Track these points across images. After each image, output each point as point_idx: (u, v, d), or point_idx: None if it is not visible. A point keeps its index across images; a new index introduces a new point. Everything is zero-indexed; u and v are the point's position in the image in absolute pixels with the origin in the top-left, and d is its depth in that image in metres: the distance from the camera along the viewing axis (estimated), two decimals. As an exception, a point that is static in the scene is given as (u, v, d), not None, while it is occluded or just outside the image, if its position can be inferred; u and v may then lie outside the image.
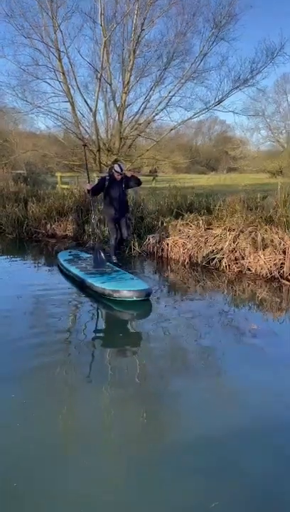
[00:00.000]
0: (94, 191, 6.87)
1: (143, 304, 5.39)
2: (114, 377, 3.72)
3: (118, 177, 6.69)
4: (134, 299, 5.33)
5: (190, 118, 16.30)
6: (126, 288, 5.41)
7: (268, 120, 30.88)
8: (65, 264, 6.81)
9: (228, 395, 3.41)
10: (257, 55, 14.98)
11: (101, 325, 5.14)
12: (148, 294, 5.43)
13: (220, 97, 15.17)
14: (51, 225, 10.14)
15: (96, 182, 7.52)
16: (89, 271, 6.28)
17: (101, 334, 4.82)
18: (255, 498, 2.38)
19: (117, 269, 6.47)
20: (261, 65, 14.83)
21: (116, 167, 6.69)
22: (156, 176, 16.12)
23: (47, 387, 3.47)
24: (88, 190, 6.87)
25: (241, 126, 48.12)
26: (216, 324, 4.97)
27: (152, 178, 15.62)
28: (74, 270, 6.41)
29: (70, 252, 7.72)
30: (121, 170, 6.67)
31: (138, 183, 7.04)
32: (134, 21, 14.78)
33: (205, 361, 4.11)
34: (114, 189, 6.78)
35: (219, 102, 15.13)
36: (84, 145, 10.14)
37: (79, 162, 16.96)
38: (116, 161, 15.86)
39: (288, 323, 5.22)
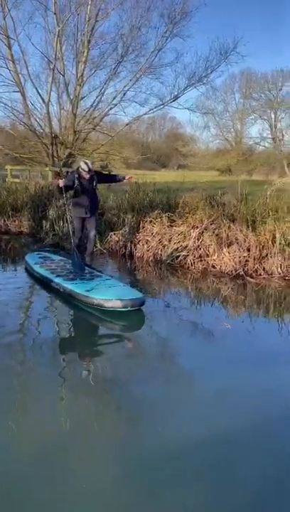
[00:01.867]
0: (66, 188, 6.07)
1: (135, 314, 4.88)
2: (96, 384, 3.53)
3: (86, 176, 5.93)
4: (129, 309, 4.78)
5: (146, 113, 16.24)
6: (118, 297, 4.84)
7: (217, 119, 31.56)
8: (37, 268, 6.09)
9: (209, 397, 3.33)
10: (211, 54, 15.14)
11: (77, 329, 4.85)
12: (141, 303, 4.90)
13: (176, 93, 15.22)
14: (5, 221, 9.61)
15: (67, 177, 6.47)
16: (67, 276, 5.65)
17: (76, 338, 4.59)
18: (249, 502, 2.33)
19: (97, 273, 5.93)
20: (215, 63, 15.04)
21: (83, 165, 5.91)
22: (111, 171, 15.86)
23: (22, 397, 3.23)
24: (60, 187, 6.00)
25: (191, 124, 48.85)
26: (187, 324, 4.92)
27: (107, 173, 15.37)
28: (49, 275, 5.71)
29: (38, 254, 6.96)
30: (89, 168, 5.90)
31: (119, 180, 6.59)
32: (88, 12, 14.40)
33: (182, 363, 4.02)
34: (83, 188, 6.01)
35: (175, 98, 15.18)
36: (56, 136, 9.56)
37: (30, 155, 16.32)
38: (70, 155, 15.43)
39: (256, 320, 5.28)
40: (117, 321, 4.79)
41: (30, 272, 6.38)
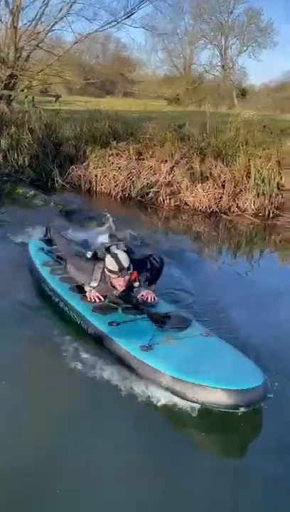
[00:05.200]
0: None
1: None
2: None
3: (118, 283, 2.96)
4: (241, 410, 2.31)
5: (97, 31, 14.66)
6: (220, 382, 2.33)
7: (166, 42, 29.61)
8: (48, 278, 3.45)
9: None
10: None
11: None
12: (264, 394, 2.38)
13: (130, 8, 13.74)
14: None
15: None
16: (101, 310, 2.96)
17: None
18: None
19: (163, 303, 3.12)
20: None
21: (110, 263, 2.90)
22: (60, 97, 14.52)
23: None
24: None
25: (138, 47, 45.77)
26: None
27: (55, 99, 14.13)
28: (67, 298, 3.15)
29: (46, 241, 4.02)
30: (122, 267, 2.88)
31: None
32: None
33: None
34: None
35: (130, 14, 13.72)
36: None
37: None
38: (12, 76, 13.73)
39: (241, 260, 5.18)
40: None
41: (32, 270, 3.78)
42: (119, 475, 2.05)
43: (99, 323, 2.84)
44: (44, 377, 2.62)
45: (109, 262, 2.88)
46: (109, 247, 2.94)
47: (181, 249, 5.05)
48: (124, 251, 2.92)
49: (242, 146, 7.05)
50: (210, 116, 7.94)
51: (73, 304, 3.05)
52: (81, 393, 2.53)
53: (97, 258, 3.01)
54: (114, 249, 2.93)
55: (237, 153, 6.90)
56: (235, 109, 18.43)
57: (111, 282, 2.94)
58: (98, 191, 7.21)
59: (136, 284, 2.99)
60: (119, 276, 2.88)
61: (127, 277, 2.90)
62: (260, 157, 6.61)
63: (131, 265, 2.89)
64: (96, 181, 7.20)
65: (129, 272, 2.88)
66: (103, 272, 2.94)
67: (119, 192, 6.95)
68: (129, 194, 6.92)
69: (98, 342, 2.79)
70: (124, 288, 2.93)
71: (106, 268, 2.90)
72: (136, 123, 8.51)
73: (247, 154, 6.81)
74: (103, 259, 2.93)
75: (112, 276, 2.90)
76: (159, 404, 2.39)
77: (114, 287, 2.95)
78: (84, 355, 2.72)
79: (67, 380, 2.60)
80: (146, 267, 3.10)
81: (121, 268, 2.85)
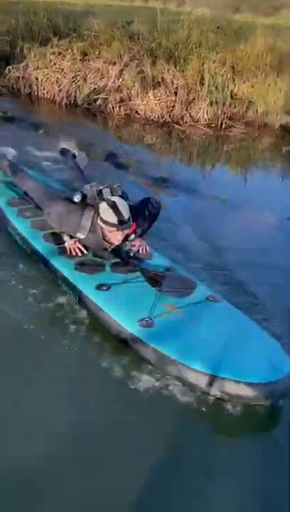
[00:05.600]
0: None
1: None
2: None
3: (115, 237, 2.41)
4: (267, 402, 1.95)
5: None
6: (236, 373, 1.91)
7: None
8: (16, 222, 2.87)
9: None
10: None
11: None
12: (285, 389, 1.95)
13: None
14: None
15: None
16: (85, 265, 2.49)
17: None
18: None
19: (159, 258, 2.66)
20: None
21: (108, 214, 2.33)
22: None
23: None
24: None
25: None
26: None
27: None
28: (41, 249, 2.63)
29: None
30: (122, 220, 2.32)
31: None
32: None
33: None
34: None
35: None
36: None
37: None
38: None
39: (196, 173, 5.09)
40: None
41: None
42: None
43: (85, 287, 2.33)
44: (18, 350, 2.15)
45: (106, 212, 2.30)
46: (101, 191, 2.38)
47: (135, 160, 4.83)
48: (120, 196, 2.37)
49: (195, 48, 6.59)
50: (160, 13, 7.23)
51: (51, 260, 2.53)
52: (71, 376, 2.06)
53: (85, 203, 2.46)
54: (108, 194, 2.36)
55: (189, 56, 6.46)
56: (185, 7, 16.90)
57: (103, 235, 2.40)
58: (40, 96, 6.55)
59: (132, 236, 2.48)
60: (117, 230, 2.33)
61: (126, 231, 2.37)
62: (214, 61, 6.24)
63: (130, 218, 2.34)
64: (37, 85, 6.51)
65: (127, 224, 2.33)
66: (93, 221, 2.39)
67: (63, 98, 6.35)
68: (74, 100, 6.36)
69: (85, 307, 2.35)
70: (120, 243, 2.42)
71: (101, 218, 2.33)
72: (79, 17, 7.59)
73: (201, 58, 6.40)
74: (93, 206, 2.40)
75: (108, 229, 2.34)
76: (167, 393, 1.96)
77: (105, 241, 2.42)
78: (71, 326, 2.27)
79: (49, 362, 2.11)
80: (143, 215, 2.55)
81: (121, 221, 2.29)
